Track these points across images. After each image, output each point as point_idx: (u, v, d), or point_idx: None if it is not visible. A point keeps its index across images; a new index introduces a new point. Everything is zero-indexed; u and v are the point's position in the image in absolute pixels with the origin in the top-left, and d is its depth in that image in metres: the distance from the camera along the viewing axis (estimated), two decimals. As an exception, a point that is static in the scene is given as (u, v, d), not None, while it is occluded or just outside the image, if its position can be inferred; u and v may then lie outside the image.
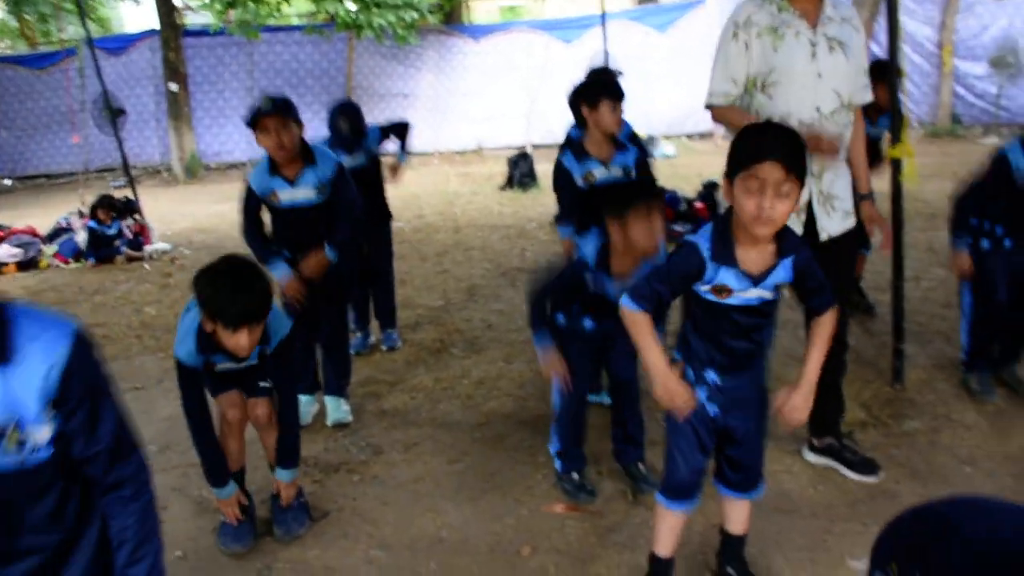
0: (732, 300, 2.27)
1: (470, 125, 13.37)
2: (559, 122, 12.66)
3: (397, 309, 5.57)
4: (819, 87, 3.08)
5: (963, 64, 13.26)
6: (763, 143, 2.12)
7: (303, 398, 4.36)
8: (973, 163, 4.72)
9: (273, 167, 3.87)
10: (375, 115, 14.10)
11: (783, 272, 2.27)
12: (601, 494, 3.45)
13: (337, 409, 4.30)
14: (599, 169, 3.88)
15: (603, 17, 9.32)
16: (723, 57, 3.13)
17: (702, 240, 2.27)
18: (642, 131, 13.02)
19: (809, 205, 3.19)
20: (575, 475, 3.50)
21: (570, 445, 3.52)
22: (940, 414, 3.93)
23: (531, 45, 13.62)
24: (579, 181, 3.88)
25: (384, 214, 5.36)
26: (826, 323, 2.38)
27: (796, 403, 2.36)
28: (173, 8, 12.81)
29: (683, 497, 2.62)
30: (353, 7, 11.62)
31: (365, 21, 11.62)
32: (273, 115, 3.70)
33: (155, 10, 12.68)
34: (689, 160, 11.93)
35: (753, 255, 2.25)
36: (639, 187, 3.34)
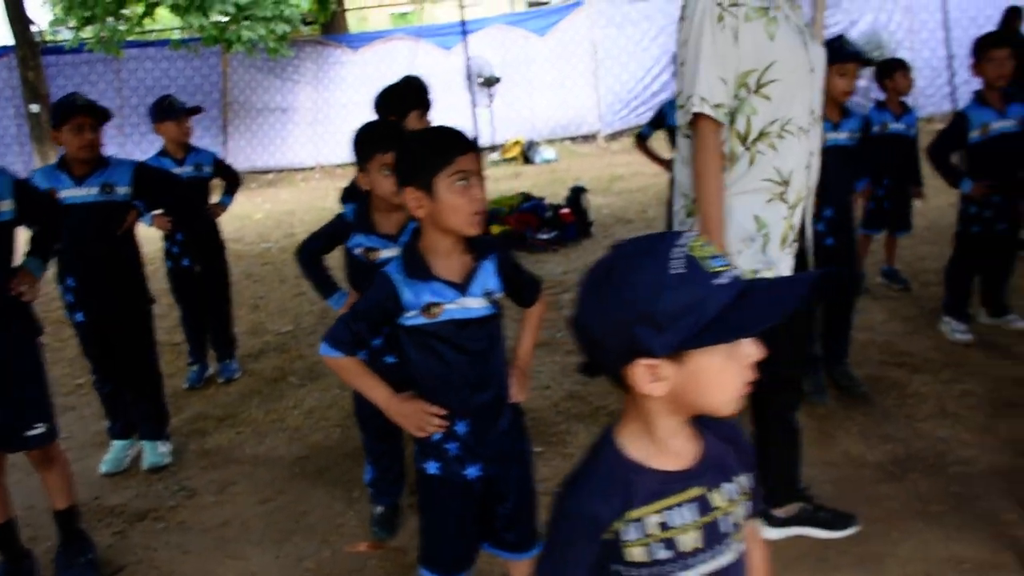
0: (447, 316, 2.07)
1: (351, 137, 13.01)
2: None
3: (237, 338, 5.34)
4: (814, 84, 2.54)
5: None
6: (443, 139, 2.05)
7: (118, 443, 4.13)
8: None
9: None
10: (253, 131, 13.77)
11: (488, 277, 2.11)
12: (406, 528, 3.29)
13: (153, 452, 4.06)
14: None
15: (463, 24, 9.20)
16: (710, 48, 2.38)
17: (392, 267, 2.11)
18: (524, 136, 13.12)
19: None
20: (379, 508, 3.34)
21: (380, 474, 3.35)
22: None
23: (411, 53, 13.44)
24: None
25: (213, 239, 5.10)
26: (535, 312, 2.36)
27: (514, 392, 2.26)
28: (28, 24, 12.18)
29: (450, 572, 2.34)
30: (222, 19, 11.27)
31: (234, 35, 11.28)
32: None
33: (8, 26, 12.06)
34: (570, 164, 11.92)
35: (450, 263, 2.08)
36: (381, 130, 2.96)
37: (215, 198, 5.13)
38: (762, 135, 2.45)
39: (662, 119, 5.13)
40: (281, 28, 11.46)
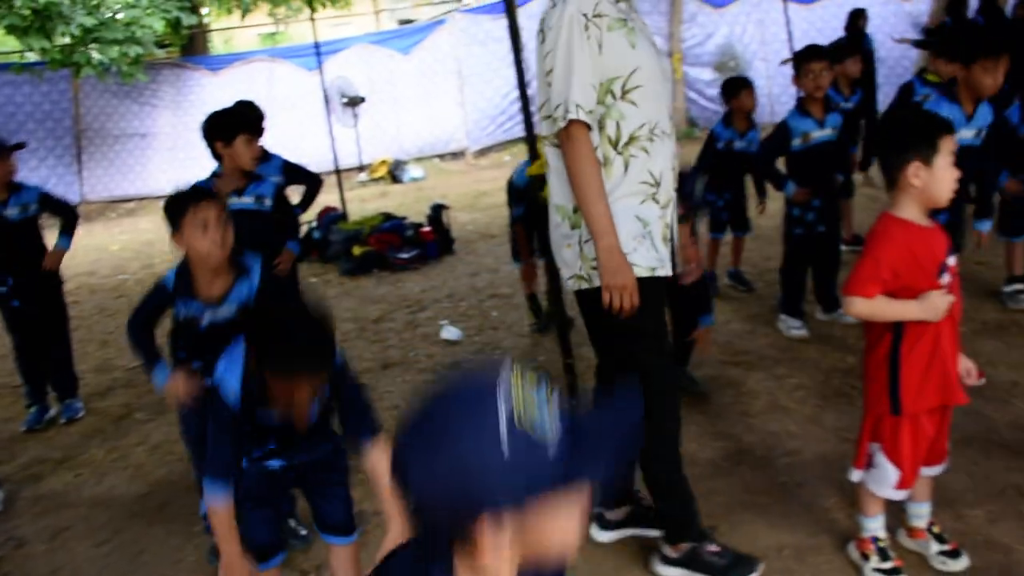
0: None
1: (212, 162, 12.69)
2: (306, 153, 12.38)
3: (82, 376, 5.12)
4: (668, 91, 2.65)
5: (692, 71, 14.02)
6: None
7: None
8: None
9: None
10: (111, 158, 13.24)
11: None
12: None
13: None
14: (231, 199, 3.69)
15: (316, 46, 9.12)
16: (578, 57, 2.42)
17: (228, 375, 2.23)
18: (391, 155, 13.06)
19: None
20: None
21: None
22: (608, 425, 3.98)
23: (272, 74, 13.22)
24: None
25: (50, 278, 4.80)
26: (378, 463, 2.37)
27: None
28: None
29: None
30: (67, 41, 10.78)
31: (83, 57, 10.82)
32: None
33: None
34: (437, 182, 11.94)
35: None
36: (192, 193, 2.85)
37: (52, 234, 4.85)
38: (632, 139, 2.51)
39: None
40: (134, 51, 11.05)
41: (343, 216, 8.48)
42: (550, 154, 2.62)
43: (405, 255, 7.37)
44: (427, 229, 7.67)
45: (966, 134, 3.97)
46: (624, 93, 2.48)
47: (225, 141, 3.63)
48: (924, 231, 2.44)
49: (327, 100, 8.78)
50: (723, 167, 5.47)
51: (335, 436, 2.50)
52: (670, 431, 2.77)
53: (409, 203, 10.14)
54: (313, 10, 9.73)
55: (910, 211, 2.44)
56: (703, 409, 4.01)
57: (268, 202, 3.90)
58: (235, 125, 3.67)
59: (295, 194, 5.22)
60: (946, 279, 2.42)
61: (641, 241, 2.54)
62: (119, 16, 11.07)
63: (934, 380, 2.44)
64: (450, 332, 5.37)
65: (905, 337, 2.43)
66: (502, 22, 14.72)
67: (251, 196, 3.81)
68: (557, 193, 2.63)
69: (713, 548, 2.80)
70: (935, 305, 2.36)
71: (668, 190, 2.62)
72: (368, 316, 6.10)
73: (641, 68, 2.49)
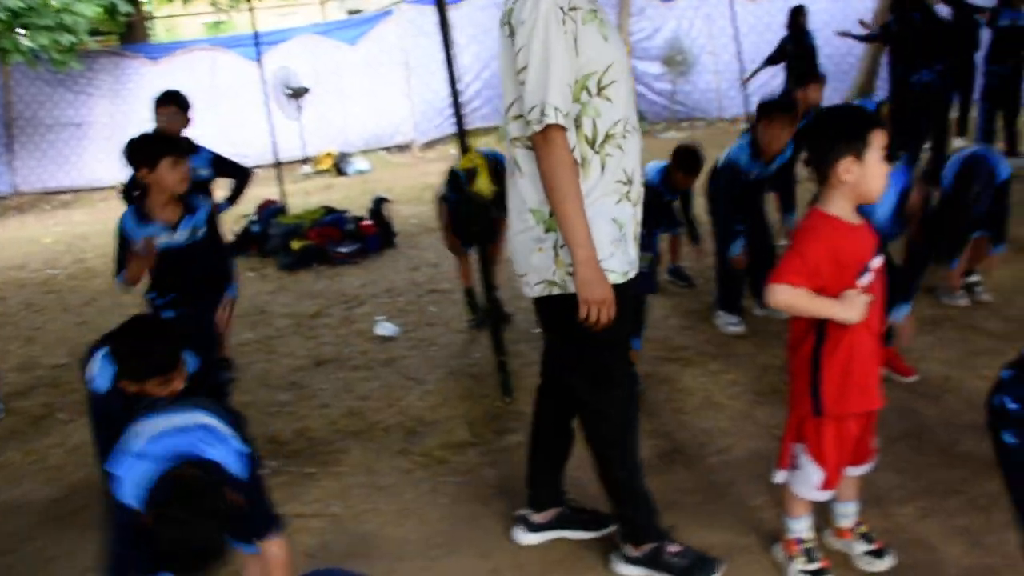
0: None
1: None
2: (247, 144, 12.14)
3: (2, 375, 4.93)
4: (633, 83, 2.56)
5: (641, 64, 14.02)
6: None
7: None
8: (655, 156, 5.40)
9: None
10: (44, 149, 12.86)
11: None
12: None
13: None
14: (164, 234, 3.53)
15: (256, 36, 8.91)
16: (556, 56, 2.28)
17: None
18: (337, 148, 12.87)
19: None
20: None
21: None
22: (541, 423, 3.92)
23: (215, 64, 12.94)
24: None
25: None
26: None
27: None
28: None
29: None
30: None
31: (11, 45, 10.48)
32: None
33: None
34: (383, 174, 11.79)
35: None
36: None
37: None
38: (608, 137, 2.41)
39: None
40: (66, 39, 10.73)
41: (283, 209, 8.31)
42: (521, 156, 2.47)
43: (345, 249, 7.23)
44: (368, 223, 7.54)
45: None
46: (600, 89, 2.38)
47: (149, 167, 3.43)
48: (852, 229, 2.40)
49: (266, 91, 8.55)
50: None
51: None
52: (632, 439, 2.75)
53: (354, 196, 9.97)
54: (251, -2, 9.46)
55: (840, 207, 2.39)
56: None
57: (201, 232, 3.67)
58: (157, 148, 3.46)
59: (224, 188, 5.09)
60: (866, 279, 2.38)
61: (618, 245, 2.47)
62: (52, 2, 10.72)
63: (854, 384, 2.41)
64: (385, 328, 5.27)
65: (827, 339, 2.39)
66: (451, 14, 14.61)
67: (186, 230, 3.58)
68: (531, 196, 2.47)
69: (674, 548, 2.78)
70: (855, 304, 2.32)
71: (639, 187, 2.56)
72: (304, 312, 5.97)
73: (615, 63, 2.40)
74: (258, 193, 9.72)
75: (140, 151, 3.46)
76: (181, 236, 3.56)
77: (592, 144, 2.41)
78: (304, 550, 3.12)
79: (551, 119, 2.28)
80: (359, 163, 12.30)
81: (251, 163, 12.26)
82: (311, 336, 5.45)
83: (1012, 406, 1.96)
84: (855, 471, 2.65)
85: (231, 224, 8.09)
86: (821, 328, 2.40)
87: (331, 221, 7.54)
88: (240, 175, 4.90)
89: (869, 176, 2.34)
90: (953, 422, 3.62)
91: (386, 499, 3.42)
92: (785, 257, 2.39)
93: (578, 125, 2.39)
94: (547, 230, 2.46)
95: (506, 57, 2.43)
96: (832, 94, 13.45)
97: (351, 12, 21.37)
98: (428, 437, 3.88)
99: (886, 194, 3.73)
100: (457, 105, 3.93)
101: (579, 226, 2.33)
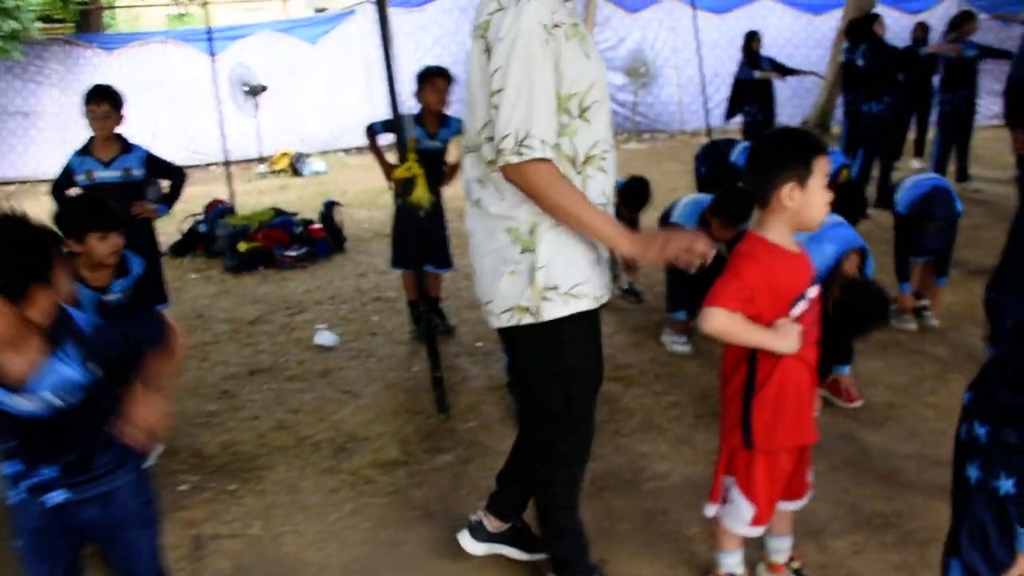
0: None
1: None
2: (202, 141, 11.87)
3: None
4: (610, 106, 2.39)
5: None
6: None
7: None
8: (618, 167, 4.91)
9: None
10: (-10, 136, 12.50)
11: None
12: None
13: None
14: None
15: (208, 31, 8.70)
16: (540, 81, 2.11)
17: None
18: (294, 148, 12.63)
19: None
20: None
21: None
22: (476, 442, 3.79)
23: (171, 58, 12.65)
24: None
25: None
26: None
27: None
28: None
29: None
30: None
31: (-48, 30, 10.15)
32: None
33: None
34: (339, 176, 11.57)
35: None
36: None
37: None
38: (589, 158, 2.27)
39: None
40: (9, 26, 10.39)
41: (231, 210, 8.10)
42: (499, 177, 2.24)
43: (293, 253, 7.05)
44: (317, 227, 7.36)
45: None
46: (582, 111, 2.22)
47: (76, 239, 3.21)
48: (790, 256, 2.30)
49: (218, 87, 8.32)
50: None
51: (136, 461, 2.20)
52: (579, 477, 2.60)
53: (308, 197, 9.78)
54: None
55: (778, 233, 2.29)
56: (575, 427, 3.85)
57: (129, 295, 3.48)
58: (85, 223, 3.21)
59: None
60: (799, 309, 2.28)
61: (595, 267, 2.33)
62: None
63: (786, 417, 2.31)
64: (325, 337, 5.10)
65: (759, 369, 2.29)
66: (414, 16, 14.46)
67: (118, 292, 3.37)
68: (511, 214, 2.28)
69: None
70: (789, 334, 2.22)
71: (611, 208, 2.42)
72: (244, 317, 5.78)
73: (597, 83, 2.24)
74: (209, 192, 9.53)
75: (67, 224, 3.21)
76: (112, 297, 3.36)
77: (574, 163, 2.27)
78: (218, 574, 2.97)
79: (537, 153, 2.10)
80: (316, 164, 12.08)
81: (206, 161, 12.25)
82: (248, 343, 5.27)
83: (980, 431, 1.87)
84: (789, 506, 2.55)
85: (177, 224, 7.91)
86: (753, 358, 2.30)
87: (279, 224, 7.35)
88: (175, 176, 4.70)
89: (811, 203, 2.24)
90: (894, 451, 3.57)
91: (308, 520, 3.27)
92: (721, 280, 2.28)
93: (557, 144, 2.21)
94: (523, 251, 2.27)
95: (480, 73, 2.23)
96: (795, 112, 13.59)
97: (318, 10, 21.14)
98: (357, 454, 3.74)
99: (825, 250, 3.68)
100: (396, 113, 3.83)
101: (604, 223, 2.21)
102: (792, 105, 13.45)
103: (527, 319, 2.30)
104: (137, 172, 4.46)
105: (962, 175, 8.57)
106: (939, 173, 7.20)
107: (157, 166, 4.58)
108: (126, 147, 4.47)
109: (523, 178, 2.15)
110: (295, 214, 7.82)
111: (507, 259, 2.30)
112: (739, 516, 2.43)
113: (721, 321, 2.22)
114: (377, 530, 3.16)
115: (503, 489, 2.82)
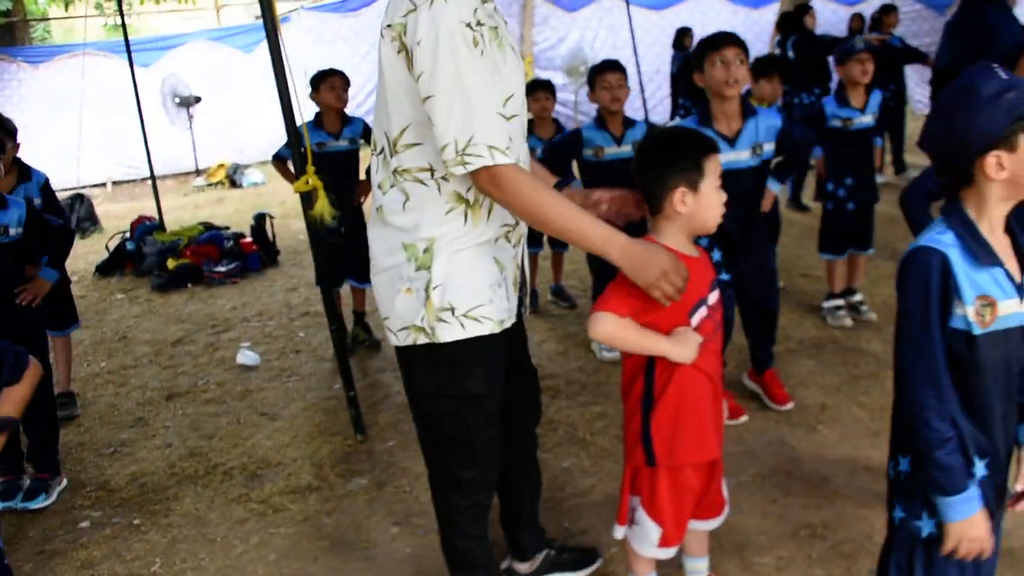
0: None
1: (34, 164, 11.59)
2: (134, 156, 11.52)
3: None
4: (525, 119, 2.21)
5: (544, 74, 13.82)
6: None
7: None
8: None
9: None
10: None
11: None
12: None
13: None
14: None
15: (126, 42, 8.41)
16: (473, 82, 1.89)
17: None
18: (231, 159, 12.35)
19: None
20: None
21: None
22: (392, 463, 3.63)
23: (100, 70, 12.28)
24: None
25: None
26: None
27: None
28: None
29: None
30: None
31: None
32: None
33: None
34: (278, 186, 11.27)
35: None
36: None
37: None
38: None
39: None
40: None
41: (159, 226, 7.84)
42: (411, 189, 2.08)
43: (222, 268, 6.82)
44: (248, 240, 7.14)
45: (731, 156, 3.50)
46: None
47: None
48: (688, 261, 2.16)
49: (139, 99, 8.02)
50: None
51: None
52: (485, 505, 2.46)
53: (245, 209, 9.53)
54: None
55: (674, 238, 2.16)
56: (496, 444, 3.71)
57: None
58: None
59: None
60: (699, 317, 2.15)
61: (496, 290, 2.16)
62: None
63: (688, 432, 2.17)
64: (247, 357, 4.91)
65: (656, 380, 2.16)
66: (349, 21, 14.23)
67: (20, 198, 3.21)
68: (410, 229, 2.10)
69: (559, 547, 2.76)
70: (686, 342, 2.09)
71: (522, 228, 2.26)
72: (168, 338, 5.56)
73: (515, 94, 2.05)
74: (142, 207, 9.25)
75: None
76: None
77: None
78: (109, 620, 2.80)
79: (485, 160, 1.90)
80: (254, 175, 11.80)
81: (139, 175, 11.90)
82: (168, 365, 5.05)
83: (904, 468, 1.85)
84: (701, 526, 2.42)
85: (105, 240, 7.65)
86: (650, 370, 2.16)
87: (209, 239, 7.11)
88: (53, 237, 4.02)
89: (704, 206, 2.12)
90: (825, 456, 3.47)
91: (212, 555, 3.09)
92: (612, 284, 2.13)
93: (507, 149, 1.97)
94: (418, 268, 2.11)
95: (395, 77, 2.01)
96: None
97: (259, 17, 20.79)
98: (269, 481, 3.56)
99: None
100: (291, 123, 3.69)
101: (591, 225, 1.98)
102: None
103: (423, 339, 2.15)
104: (37, 201, 4.19)
105: (899, 167, 8.59)
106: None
107: (51, 201, 4.31)
108: (25, 175, 4.24)
109: (483, 188, 1.98)
110: (226, 228, 7.59)
111: (403, 276, 2.14)
112: (646, 538, 2.30)
113: (609, 326, 2.07)
114: (282, 563, 2.99)
115: (509, 533, 2.72)
